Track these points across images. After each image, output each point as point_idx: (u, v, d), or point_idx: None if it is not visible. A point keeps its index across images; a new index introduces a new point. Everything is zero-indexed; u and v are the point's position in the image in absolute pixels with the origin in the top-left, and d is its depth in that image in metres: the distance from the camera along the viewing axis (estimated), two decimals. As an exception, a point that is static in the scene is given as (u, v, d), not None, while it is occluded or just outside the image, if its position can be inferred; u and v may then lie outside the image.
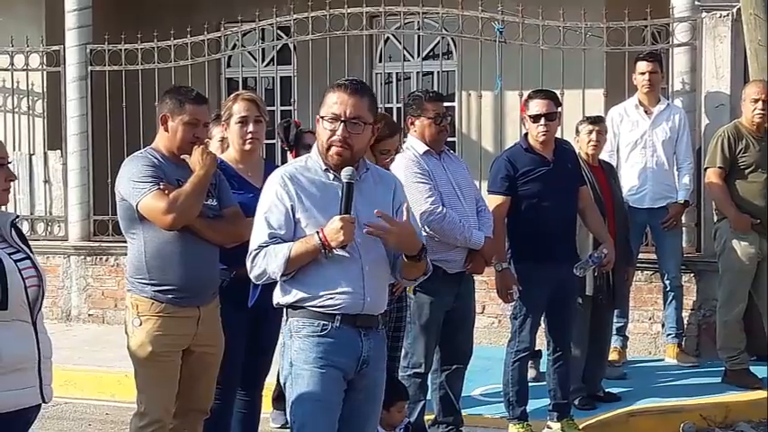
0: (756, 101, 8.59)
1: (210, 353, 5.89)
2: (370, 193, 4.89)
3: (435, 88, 12.20)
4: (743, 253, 8.62)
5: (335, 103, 4.82)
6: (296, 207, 4.82)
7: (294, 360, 4.84)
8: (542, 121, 7.31)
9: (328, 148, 4.84)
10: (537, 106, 7.35)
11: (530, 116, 7.36)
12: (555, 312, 7.49)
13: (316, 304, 4.81)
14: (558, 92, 9.57)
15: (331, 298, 4.80)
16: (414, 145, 7.02)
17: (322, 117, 4.86)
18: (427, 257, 5.00)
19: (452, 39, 12.06)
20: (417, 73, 12.41)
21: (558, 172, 7.38)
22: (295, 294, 4.85)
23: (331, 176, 4.88)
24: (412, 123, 7.06)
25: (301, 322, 4.84)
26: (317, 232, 4.72)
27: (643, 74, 9.42)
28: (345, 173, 4.77)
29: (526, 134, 7.53)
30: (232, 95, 6.56)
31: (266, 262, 4.79)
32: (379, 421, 5.74)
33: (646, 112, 9.46)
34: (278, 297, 4.95)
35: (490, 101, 11.21)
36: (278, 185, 4.86)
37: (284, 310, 4.94)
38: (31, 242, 4.63)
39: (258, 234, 4.86)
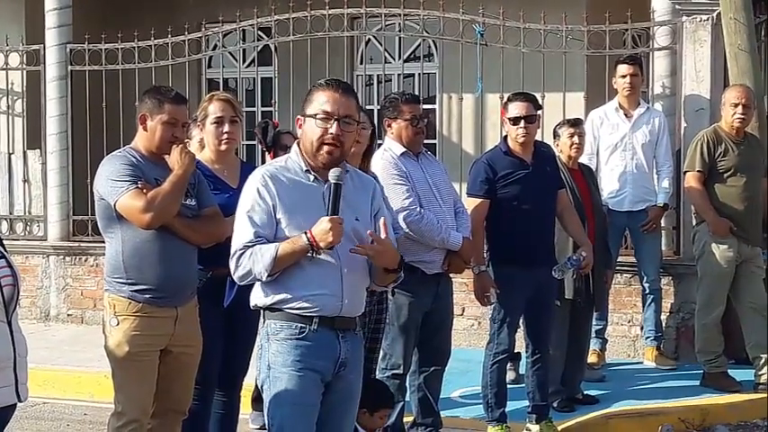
0: (736, 105, 8.61)
1: (188, 353, 5.88)
2: (349, 196, 4.86)
3: (416, 90, 12.20)
4: (721, 256, 8.64)
5: (327, 101, 4.79)
6: (277, 207, 4.79)
7: (272, 363, 4.81)
8: (522, 123, 7.32)
9: (319, 147, 4.80)
10: (517, 109, 7.36)
11: (509, 119, 7.36)
12: (534, 315, 7.50)
13: (294, 306, 4.78)
14: (538, 95, 9.58)
15: (309, 300, 4.77)
16: (391, 147, 7.02)
17: (312, 115, 4.81)
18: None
19: (433, 41, 12.07)
20: (398, 75, 12.42)
21: (537, 175, 7.39)
22: (273, 296, 4.81)
23: (311, 177, 4.85)
24: (389, 125, 7.05)
25: (279, 325, 4.81)
26: (305, 233, 4.69)
27: (624, 77, 9.44)
28: (333, 173, 4.73)
29: (505, 137, 7.54)
30: (207, 96, 6.57)
31: (252, 262, 4.73)
32: (360, 422, 5.77)
33: (626, 115, 9.48)
34: (255, 299, 4.91)
35: (471, 103, 11.23)
36: (259, 184, 4.82)
37: (261, 312, 4.92)
38: (9, 242, 4.63)
39: (242, 233, 4.80)
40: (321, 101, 4.81)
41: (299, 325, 4.78)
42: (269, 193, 4.79)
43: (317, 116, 4.80)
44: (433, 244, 6.90)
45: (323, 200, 4.78)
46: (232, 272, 4.84)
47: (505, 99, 7.66)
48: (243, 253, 4.77)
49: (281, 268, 4.73)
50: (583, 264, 7.55)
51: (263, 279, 4.76)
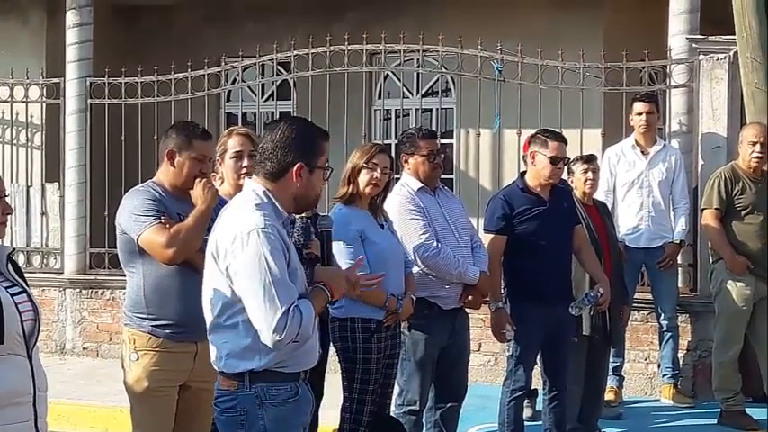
0: (754, 143, 8.62)
1: (207, 389, 5.80)
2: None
3: (434, 125, 12.25)
4: (738, 295, 8.63)
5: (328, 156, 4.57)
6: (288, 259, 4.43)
7: (270, 430, 4.45)
8: (560, 164, 7.36)
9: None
10: (557, 150, 7.39)
11: (549, 157, 7.35)
12: (551, 351, 7.49)
13: (287, 365, 4.46)
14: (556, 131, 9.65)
15: (305, 355, 4.51)
16: (408, 182, 7.05)
17: (323, 168, 4.53)
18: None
19: (451, 77, 12.10)
20: (416, 110, 12.46)
21: (554, 211, 7.41)
22: (273, 357, 4.40)
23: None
24: (406, 161, 7.08)
25: (274, 388, 4.45)
26: (324, 286, 4.52)
27: (640, 114, 9.47)
28: (325, 222, 4.67)
29: (523, 173, 7.55)
30: (227, 131, 6.63)
31: (297, 322, 4.29)
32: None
33: (642, 152, 9.49)
34: (244, 365, 4.45)
35: (488, 139, 11.24)
36: (274, 239, 4.35)
37: (244, 377, 4.48)
38: (26, 274, 4.62)
39: (286, 295, 4.31)
40: (326, 152, 4.60)
41: (291, 383, 4.48)
42: (282, 246, 4.43)
43: (326, 170, 4.59)
44: (451, 278, 6.91)
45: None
46: (279, 336, 4.29)
47: (533, 134, 7.64)
48: (293, 315, 4.30)
49: None
50: (600, 300, 7.55)
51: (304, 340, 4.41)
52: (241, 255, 4.33)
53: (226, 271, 4.41)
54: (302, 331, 4.32)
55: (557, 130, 7.85)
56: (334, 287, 4.56)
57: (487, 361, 10.23)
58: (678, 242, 9.41)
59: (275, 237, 4.33)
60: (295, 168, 4.46)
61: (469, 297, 7.05)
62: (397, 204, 6.84)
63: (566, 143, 7.50)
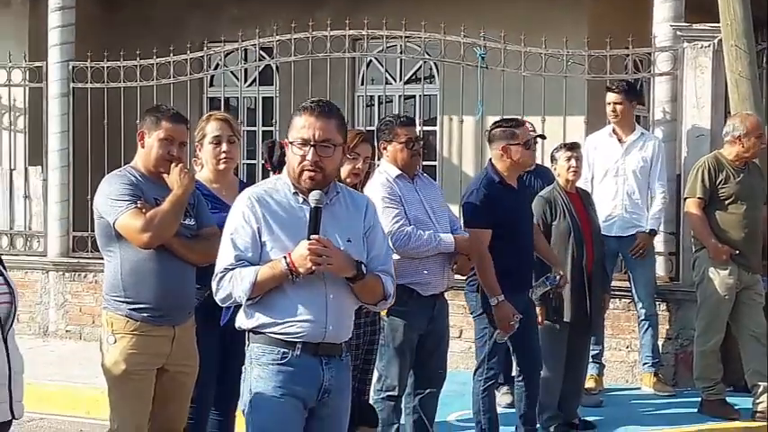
0: (760, 136, 8.56)
1: (185, 372, 5.87)
2: (341, 217, 4.83)
3: (417, 112, 12.24)
4: (721, 283, 8.62)
5: (303, 127, 4.75)
6: (262, 229, 4.74)
7: (253, 387, 4.76)
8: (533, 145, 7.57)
9: (300, 173, 4.76)
10: (527, 133, 7.50)
11: (523, 143, 7.39)
12: (521, 336, 7.44)
13: (276, 331, 4.73)
14: (539, 118, 9.66)
15: (292, 325, 4.72)
16: (387, 169, 7.03)
17: (291, 142, 4.78)
18: (383, 283, 4.89)
19: (435, 63, 12.09)
20: (399, 96, 12.45)
21: (522, 199, 7.51)
22: (257, 319, 4.76)
23: (300, 199, 4.80)
24: (384, 148, 7.06)
25: (261, 349, 4.76)
26: (285, 257, 4.65)
27: (609, 104, 9.46)
28: (313, 196, 4.69)
29: (491, 162, 7.51)
30: (205, 116, 6.60)
31: (232, 285, 4.72)
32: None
33: (619, 140, 9.49)
34: (240, 321, 4.86)
35: (471, 125, 11.24)
36: (245, 207, 4.78)
37: (246, 334, 4.86)
38: (9, 257, 4.64)
39: (224, 256, 4.78)
40: (298, 126, 4.76)
41: (282, 350, 4.73)
42: (254, 215, 4.75)
43: (294, 143, 4.76)
44: (430, 253, 6.86)
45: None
46: (214, 293, 4.83)
47: (494, 128, 7.62)
48: (223, 276, 4.76)
49: (262, 292, 4.69)
50: (561, 282, 7.60)
51: (243, 302, 4.73)
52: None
53: None
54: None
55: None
56: (294, 257, 4.63)
57: (468, 348, 10.18)
58: (649, 231, 9.37)
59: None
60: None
61: (455, 265, 7.04)
62: (374, 191, 6.83)
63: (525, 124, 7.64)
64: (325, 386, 4.79)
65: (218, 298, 4.83)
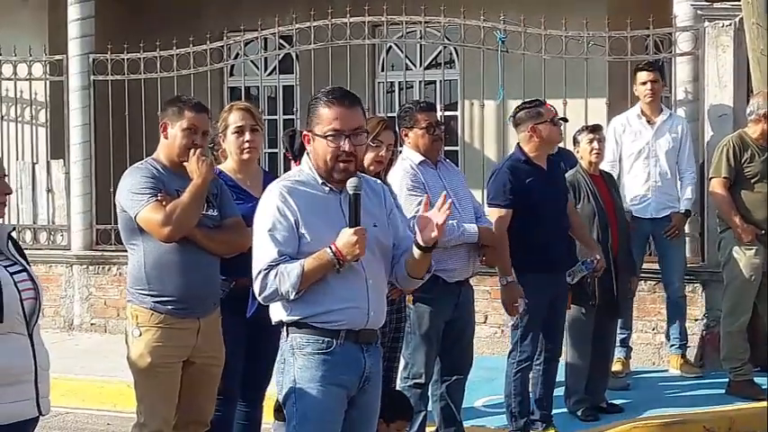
0: None
1: (211, 364, 5.87)
2: (366, 204, 4.82)
3: (437, 97, 12.21)
4: (747, 263, 8.58)
5: (336, 118, 4.74)
6: (299, 221, 4.73)
7: (298, 378, 4.76)
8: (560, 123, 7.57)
9: (334, 165, 4.75)
10: (551, 112, 7.51)
11: (550, 120, 7.41)
12: (550, 319, 7.46)
13: (320, 321, 4.73)
14: (560, 101, 9.61)
15: (336, 313, 4.73)
16: (410, 156, 7.00)
17: (319, 135, 4.76)
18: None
19: (454, 48, 12.05)
20: (420, 82, 12.41)
21: (553, 180, 7.43)
22: (299, 311, 4.75)
23: (327, 189, 4.81)
24: (406, 135, 7.04)
25: (305, 339, 4.75)
26: (330, 247, 4.64)
27: (644, 84, 9.39)
28: (351, 184, 4.69)
29: (519, 146, 7.48)
30: (227, 106, 6.58)
31: (278, 281, 4.66)
32: (376, 432, 5.70)
33: (648, 121, 9.42)
34: (278, 314, 4.83)
35: (492, 110, 11.20)
36: (278, 201, 4.76)
37: (284, 326, 4.84)
38: (33, 251, 4.65)
39: (265, 252, 4.72)
40: (330, 118, 4.75)
41: (326, 339, 4.74)
42: (289, 208, 4.74)
43: (328, 136, 4.75)
44: (453, 243, 6.83)
45: (341, 211, 4.75)
46: (257, 293, 4.77)
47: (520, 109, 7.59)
48: (267, 273, 4.70)
49: (308, 285, 4.68)
50: (597, 266, 7.55)
51: (291, 297, 4.69)
52: None
53: None
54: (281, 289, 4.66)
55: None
56: (341, 246, 4.65)
57: (494, 333, 10.21)
58: (684, 212, 9.35)
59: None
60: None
61: (484, 257, 7.03)
62: (398, 179, 6.82)
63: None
64: (366, 373, 4.83)
65: (263, 296, 4.75)
